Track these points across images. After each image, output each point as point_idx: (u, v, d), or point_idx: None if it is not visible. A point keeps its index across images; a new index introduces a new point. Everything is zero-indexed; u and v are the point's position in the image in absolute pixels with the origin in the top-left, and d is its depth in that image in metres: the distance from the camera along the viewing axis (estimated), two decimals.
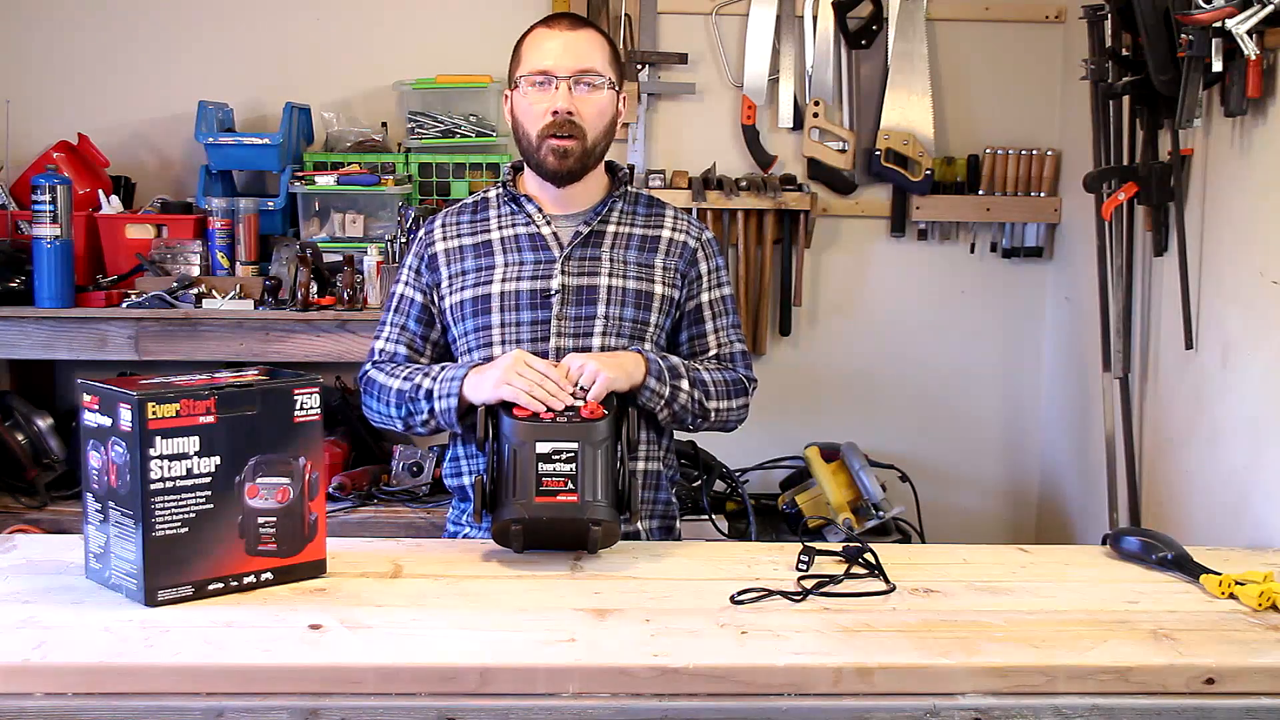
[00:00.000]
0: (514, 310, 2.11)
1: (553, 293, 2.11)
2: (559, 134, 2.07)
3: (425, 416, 2.08)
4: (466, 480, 2.18)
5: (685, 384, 2.09)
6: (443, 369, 2.08)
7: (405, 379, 2.11)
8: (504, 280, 2.12)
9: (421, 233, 2.23)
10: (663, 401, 2.07)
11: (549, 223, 2.15)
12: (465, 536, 2.17)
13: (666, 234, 2.20)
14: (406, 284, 2.21)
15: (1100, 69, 2.83)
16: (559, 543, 1.91)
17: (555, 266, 2.12)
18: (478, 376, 2.01)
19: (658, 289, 2.16)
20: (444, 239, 2.19)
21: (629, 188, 2.22)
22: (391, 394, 2.11)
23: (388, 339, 2.20)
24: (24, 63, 3.44)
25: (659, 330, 2.17)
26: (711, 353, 2.22)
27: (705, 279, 2.22)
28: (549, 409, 1.90)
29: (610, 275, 2.13)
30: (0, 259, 3.08)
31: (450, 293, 2.15)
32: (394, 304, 2.21)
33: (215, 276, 3.19)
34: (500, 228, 2.18)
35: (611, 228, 2.17)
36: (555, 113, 2.06)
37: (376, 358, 2.19)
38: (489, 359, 2.09)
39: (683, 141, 3.56)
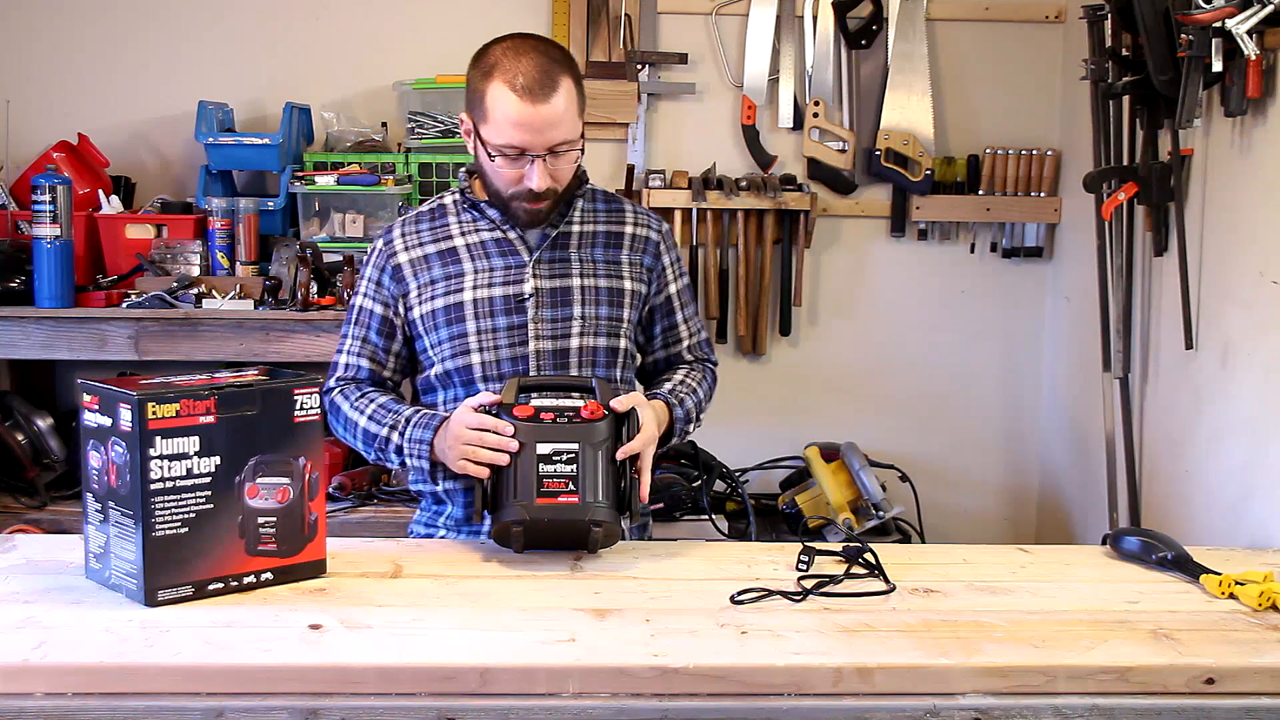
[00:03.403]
0: (489, 317, 2.09)
1: (526, 297, 2.09)
2: (533, 200, 2.05)
3: (398, 466, 2.10)
4: (439, 486, 2.16)
5: (692, 425, 2.16)
6: (408, 423, 2.04)
7: (371, 419, 2.08)
8: (475, 287, 2.10)
9: (379, 244, 2.17)
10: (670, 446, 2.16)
11: (514, 227, 2.12)
12: (441, 539, 2.16)
13: (629, 229, 2.20)
14: (366, 296, 2.16)
15: (1100, 69, 2.83)
16: (559, 543, 1.91)
17: (526, 270, 2.11)
18: (441, 443, 1.99)
19: (627, 284, 2.16)
20: (406, 249, 2.14)
21: (588, 185, 2.19)
22: (359, 431, 2.09)
23: (349, 352, 2.16)
24: (24, 63, 3.44)
25: (630, 325, 2.17)
26: (685, 343, 2.26)
27: (669, 270, 2.24)
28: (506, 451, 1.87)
29: (581, 275, 2.13)
30: (0, 259, 3.08)
31: (420, 303, 2.12)
32: (354, 316, 2.17)
33: (215, 276, 3.19)
34: (464, 234, 2.14)
35: (576, 227, 2.16)
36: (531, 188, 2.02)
37: (341, 373, 2.16)
38: (467, 366, 2.09)
39: (683, 141, 3.56)
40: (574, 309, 2.11)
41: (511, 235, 2.12)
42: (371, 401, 2.10)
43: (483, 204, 2.14)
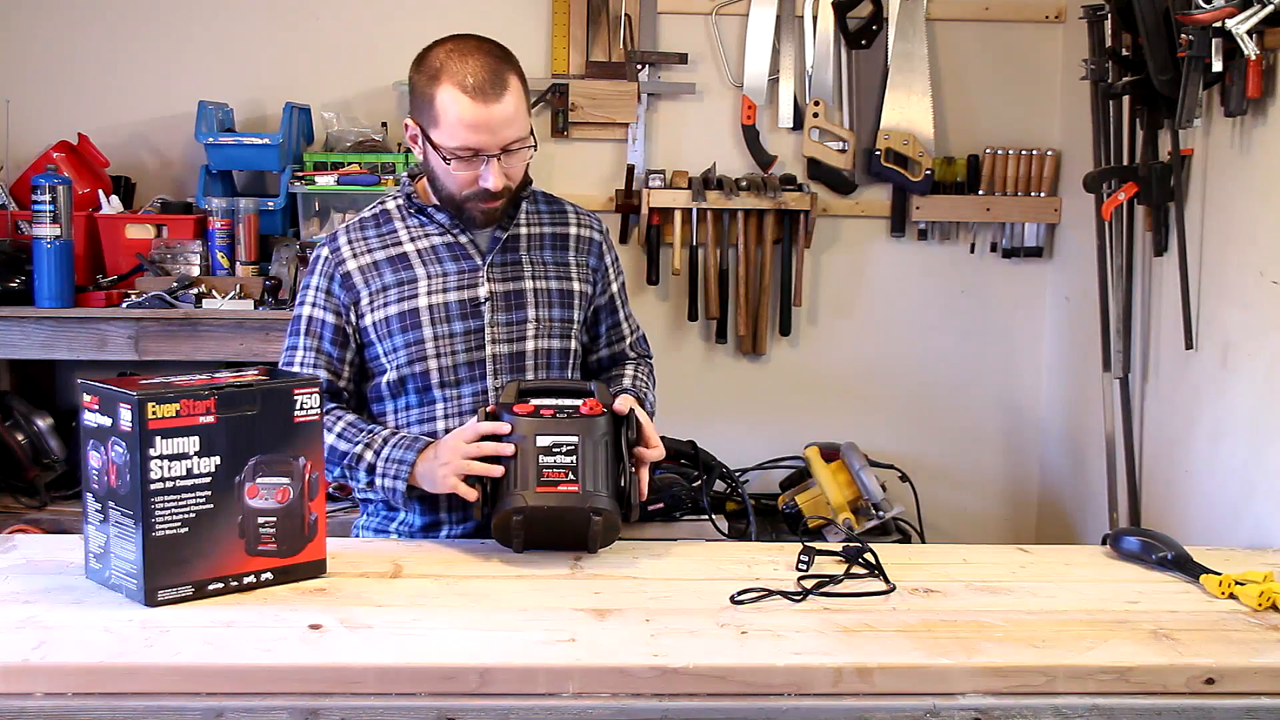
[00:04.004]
0: (445, 322, 2.07)
1: (482, 301, 2.09)
2: (488, 200, 2.03)
3: (363, 485, 2.06)
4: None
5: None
6: (385, 442, 2.02)
7: (341, 436, 2.04)
8: (430, 293, 2.08)
9: (325, 252, 2.12)
10: None
11: (464, 231, 2.11)
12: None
13: (573, 230, 2.20)
14: (315, 305, 2.11)
15: (1100, 69, 2.84)
16: (559, 539, 1.91)
17: (480, 274, 2.10)
18: (427, 464, 1.97)
19: (576, 286, 2.17)
20: (354, 256, 2.10)
21: (531, 187, 2.17)
22: (324, 447, 2.00)
23: (303, 364, 2.10)
24: (24, 63, 3.44)
25: (580, 326, 2.18)
26: (628, 340, 2.29)
27: (610, 270, 2.25)
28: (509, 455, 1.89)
29: (533, 278, 2.13)
30: (0, 259, 3.08)
31: (372, 310, 2.08)
32: (302, 327, 2.12)
33: (215, 276, 3.19)
34: (413, 239, 2.12)
35: (524, 229, 2.15)
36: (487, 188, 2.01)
37: None
38: (424, 372, 2.07)
39: (683, 141, 3.56)
40: (528, 311, 2.11)
41: (463, 239, 2.11)
42: (339, 419, 2.07)
43: (430, 208, 2.12)
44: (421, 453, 1.99)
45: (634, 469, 1.93)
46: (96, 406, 1.68)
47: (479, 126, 1.96)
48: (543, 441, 1.87)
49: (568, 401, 1.94)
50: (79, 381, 1.71)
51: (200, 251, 3.21)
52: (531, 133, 2.04)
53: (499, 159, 1.99)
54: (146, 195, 3.43)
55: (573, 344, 2.16)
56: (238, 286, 3.13)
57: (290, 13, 3.48)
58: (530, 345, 2.11)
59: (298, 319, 2.14)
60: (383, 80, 3.46)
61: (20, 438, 3.22)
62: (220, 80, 3.44)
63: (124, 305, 3.07)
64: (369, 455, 2.03)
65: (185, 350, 3.08)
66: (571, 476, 1.86)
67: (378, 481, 2.02)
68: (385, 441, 2.03)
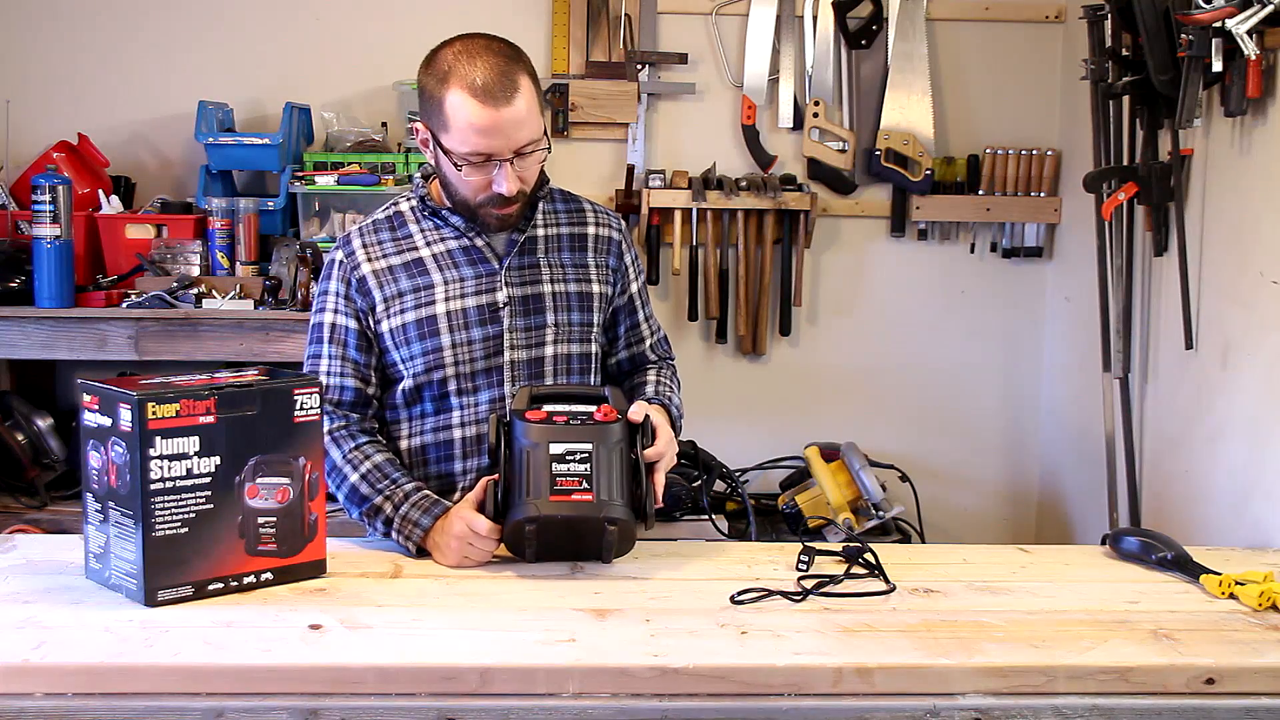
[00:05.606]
0: (464, 329, 2.03)
1: (500, 306, 2.05)
2: (503, 205, 2.00)
3: (380, 533, 2.00)
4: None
5: (680, 424, 2.15)
6: (405, 499, 1.95)
7: (364, 478, 1.98)
8: (447, 299, 2.04)
9: (339, 256, 2.07)
10: None
11: (479, 234, 2.07)
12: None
13: (592, 230, 2.16)
14: (336, 311, 2.06)
15: (1100, 69, 2.84)
16: (573, 549, 1.87)
17: (498, 279, 2.06)
18: (438, 530, 1.92)
19: (595, 288, 2.13)
20: (369, 260, 2.05)
21: (548, 186, 2.14)
22: (345, 485, 1.99)
23: (330, 374, 2.04)
24: (24, 63, 3.44)
25: (598, 329, 2.14)
26: (647, 342, 2.24)
27: (630, 269, 2.20)
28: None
29: (551, 281, 2.09)
30: (0, 259, 3.08)
31: (388, 316, 2.04)
32: (325, 335, 2.06)
33: (215, 276, 3.19)
34: (429, 244, 2.07)
35: (541, 231, 2.11)
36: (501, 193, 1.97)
37: (324, 394, 2.02)
38: (442, 380, 2.03)
39: (683, 141, 3.56)
40: (547, 316, 2.07)
41: (479, 243, 2.07)
42: (367, 458, 2.00)
43: (445, 211, 2.08)
44: (437, 520, 1.93)
45: (649, 475, 1.89)
46: (96, 406, 1.68)
47: (490, 131, 1.91)
48: (555, 449, 1.82)
49: (581, 408, 1.89)
50: (79, 381, 1.71)
51: (200, 251, 3.21)
52: (545, 133, 2.00)
53: (512, 163, 1.95)
54: (146, 195, 3.43)
55: (592, 348, 2.13)
56: (238, 286, 3.13)
57: (290, 13, 3.48)
58: (549, 350, 2.08)
59: (318, 326, 2.08)
60: (383, 80, 3.46)
61: (20, 438, 3.22)
62: (220, 80, 3.44)
63: (124, 305, 3.07)
64: (387, 508, 1.96)
65: (185, 350, 3.08)
66: (585, 485, 1.81)
67: (393, 535, 1.97)
68: (406, 498, 1.96)
